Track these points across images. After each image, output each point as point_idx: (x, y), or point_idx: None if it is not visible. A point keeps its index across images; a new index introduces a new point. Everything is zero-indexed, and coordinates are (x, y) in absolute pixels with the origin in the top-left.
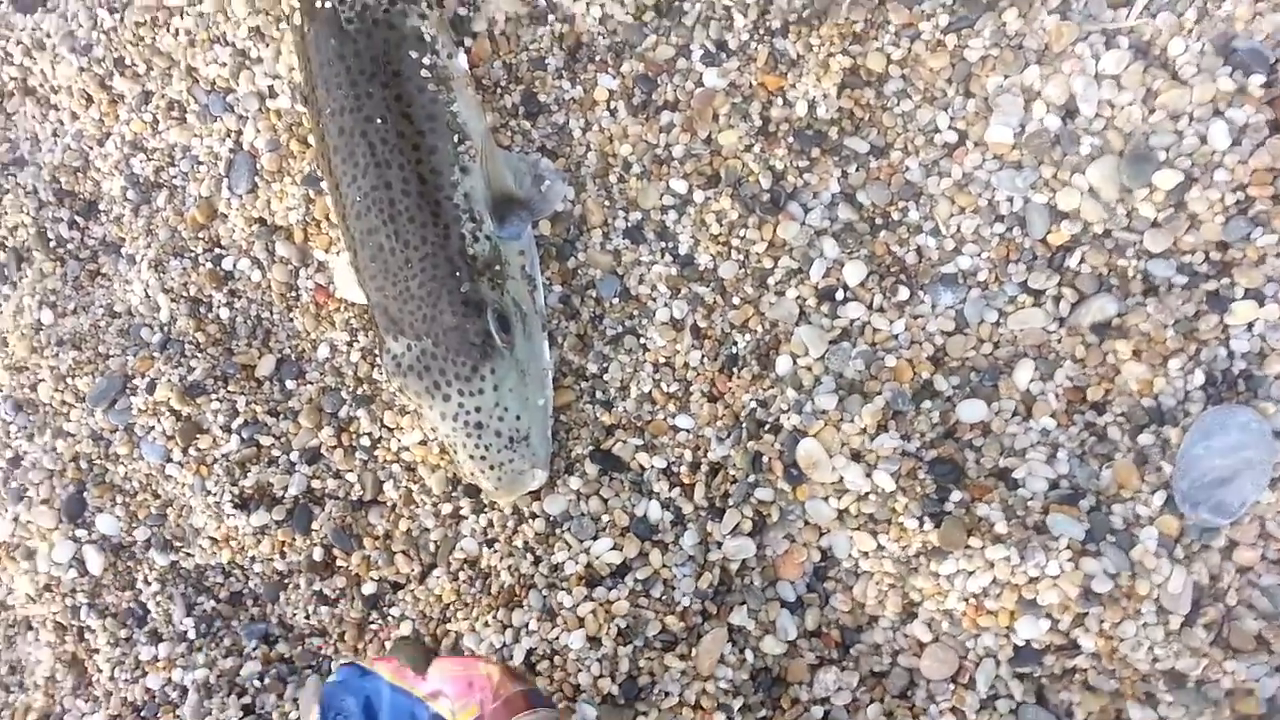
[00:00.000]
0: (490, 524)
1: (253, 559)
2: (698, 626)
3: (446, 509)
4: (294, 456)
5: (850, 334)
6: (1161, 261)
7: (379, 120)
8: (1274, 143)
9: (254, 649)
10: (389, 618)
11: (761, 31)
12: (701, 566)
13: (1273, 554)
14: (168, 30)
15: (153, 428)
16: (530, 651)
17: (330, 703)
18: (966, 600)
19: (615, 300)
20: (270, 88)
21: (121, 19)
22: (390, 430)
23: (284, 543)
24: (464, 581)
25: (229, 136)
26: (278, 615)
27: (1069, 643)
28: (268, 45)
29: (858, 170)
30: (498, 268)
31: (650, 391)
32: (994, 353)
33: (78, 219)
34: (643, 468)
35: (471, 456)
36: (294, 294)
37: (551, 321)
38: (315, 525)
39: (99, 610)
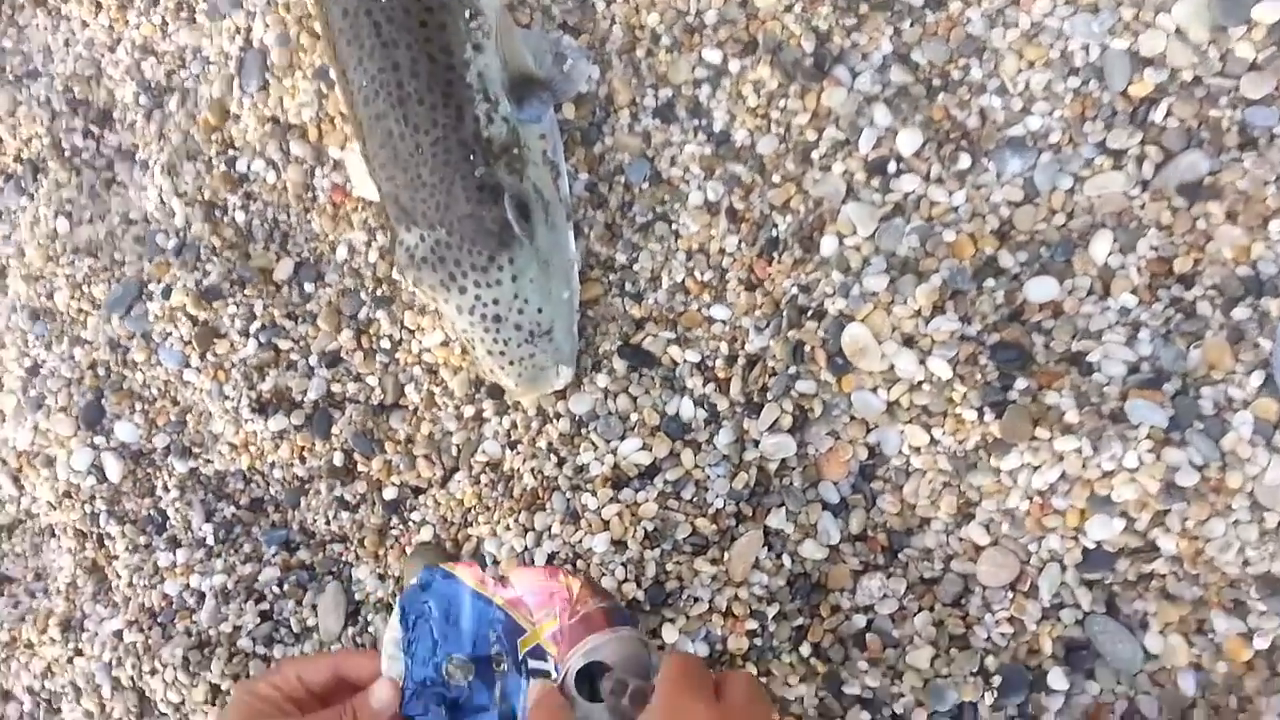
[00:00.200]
0: (514, 425)
1: (272, 465)
2: (731, 530)
3: (469, 411)
4: (313, 360)
5: (904, 209)
6: (1261, 110)
7: None
8: None
9: (274, 555)
10: (409, 523)
11: None
12: (736, 466)
13: None
14: None
15: (170, 334)
16: (552, 556)
17: (410, 606)
18: (1030, 498)
19: (645, 185)
20: None
21: None
22: (411, 332)
23: (303, 448)
24: (486, 485)
25: (238, 34)
26: (298, 521)
27: (1146, 545)
28: None
29: (912, 26)
30: (516, 152)
31: (683, 281)
32: (1067, 224)
33: (92, 128)
34: (675, 362)
35: (490, 352)
36: (310, 195)
37: (577, 211)
38: (335, 430)
39: (118, 517)
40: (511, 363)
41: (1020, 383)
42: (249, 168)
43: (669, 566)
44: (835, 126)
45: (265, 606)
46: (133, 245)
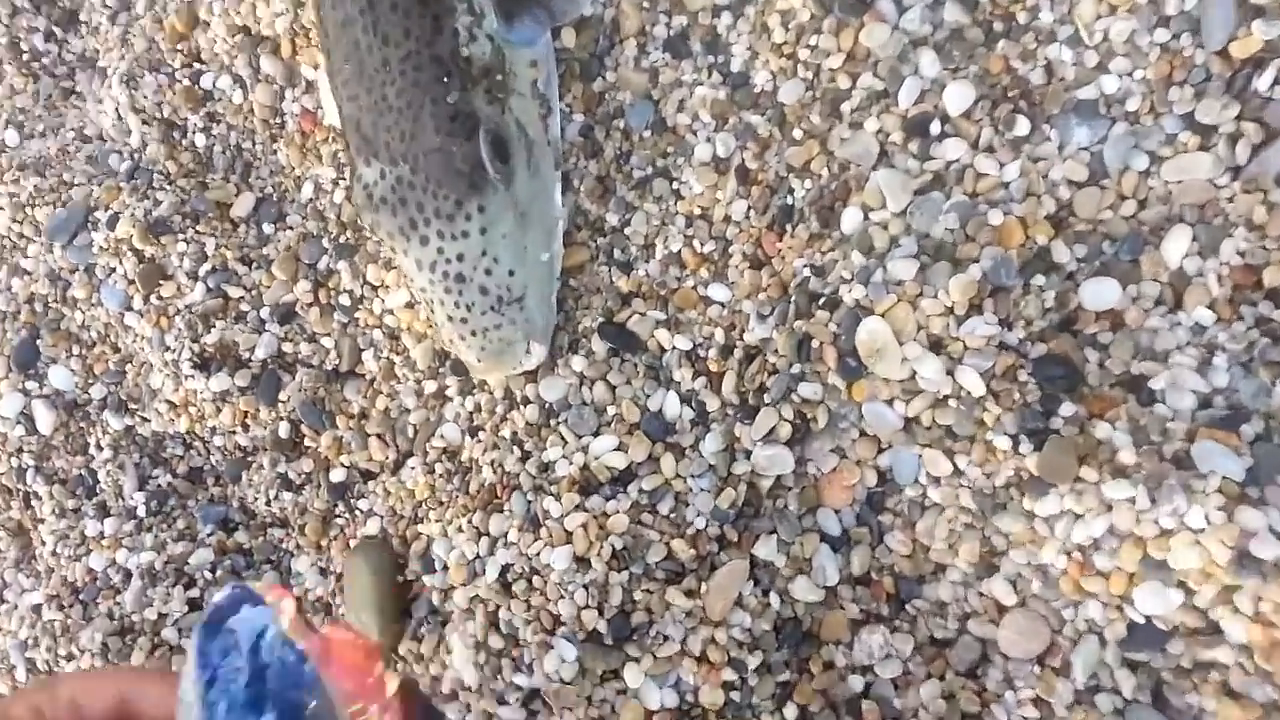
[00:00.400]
0: (477, 408)
1: (213, 430)
2: (712, 556)
3: (430, 387)
4: (264, 313)
5: (944, 181)
6: None
7: None
8: None
9: (209, 534)
10: (356, 511)
11: None
12: (724, 480)
13: None
14: None
15: (114, 269)
16: (506, 568)
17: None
18: (1069, 554)
19: (647, 133)
20: None
21: None
22: (374, 289)
23: (246, 413)
24: (440, 475)
25: None
26: (239, 498)
27: (1208, 626)
28: None
29: None
30: (499, 78)
31: (679, 251)
32: (1138, 213)
33: (55, 29)
34: (662, 348)
35: (450, 318)
36: (278, 120)
37: (568, 159)
38: (283, 396)
39: (46, 475)
40: (474, 333)
41: (1066, 408)
42: (214, 84)
43: (637, 594)
44: (873, 73)
45: (195, 593)
46: (84, 165)
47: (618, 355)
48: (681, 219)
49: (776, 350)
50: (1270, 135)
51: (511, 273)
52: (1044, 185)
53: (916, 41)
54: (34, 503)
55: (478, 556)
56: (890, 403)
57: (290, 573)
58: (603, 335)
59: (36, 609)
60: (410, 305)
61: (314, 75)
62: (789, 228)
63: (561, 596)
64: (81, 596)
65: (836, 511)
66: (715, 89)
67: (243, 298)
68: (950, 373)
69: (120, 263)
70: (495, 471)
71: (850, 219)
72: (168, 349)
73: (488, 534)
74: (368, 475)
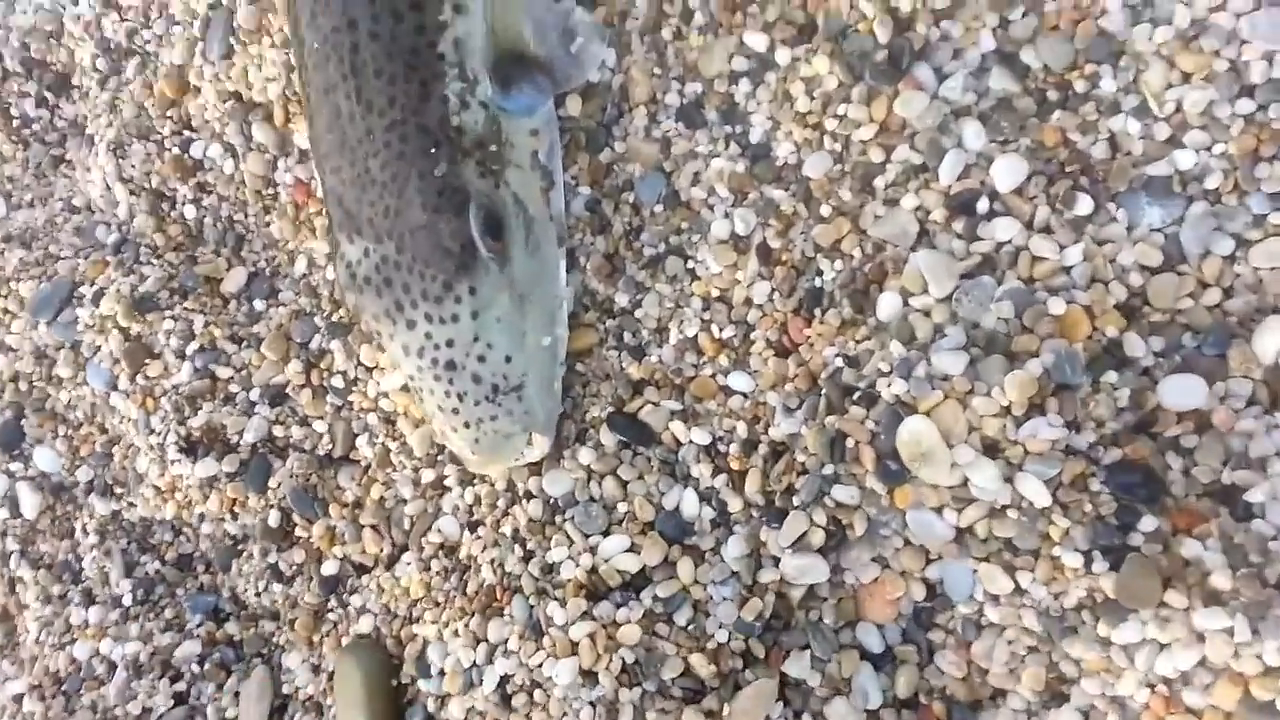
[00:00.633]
0: (477, 501)
1: (201, 517)
2: (736, 674)
3: (428, 476)
4: (254, 395)
5: (995, 264)
6: None
7: None
8: None
9: (198, 625)
10: (349, 608)
11: None
12: (749, 589)
13: None
14: None
15: (99, 347)
16: (505, 679)
17: None
18: (1152, 687)
19: (658, 207)
20: None
21: None
22: (369, 370)
23: (235, 500)
24: (437, 573)
25: None
26: (230, 587)
27: None
28: None
29: (1024, 16)
30: (494, 149)
31: (696, 336)
32: (1223, 302)
33: (47, 95)
34: (678, 442)
35: (441, 409)
36: (271, 191)
37: (573, 235)
38: (273, 482)
39: (31, 560)
40: (467, 425)
41: (1147, 522)
42: (205, 153)
43: (650, 715)
44: (910, 146)
45: (181, 687)
46: (71, 238)
47: (629, 448)
48: (698, 301)
49: (806, 448)
50: None
51: (508, 359)
52: (1112, 270)
53: (959, 111)
54: (18, 588)
55: (474, 664)
56: (939, 511)
57: (280, 668)
58: (612, 427)
59: (18, 699)
60: (406, 388)
61: (307, 144)
62: (818, 312)
63: (565, 714)
64: (64, 687)
65: (879, 627)
66: (733, 161)
67: (232, 378)
68: (1009, 480)
69: (106, 340)
70: (495, 571)
71: (887, 305)
72: (153, 432)
73: (486, 640)
74: (361, 569)
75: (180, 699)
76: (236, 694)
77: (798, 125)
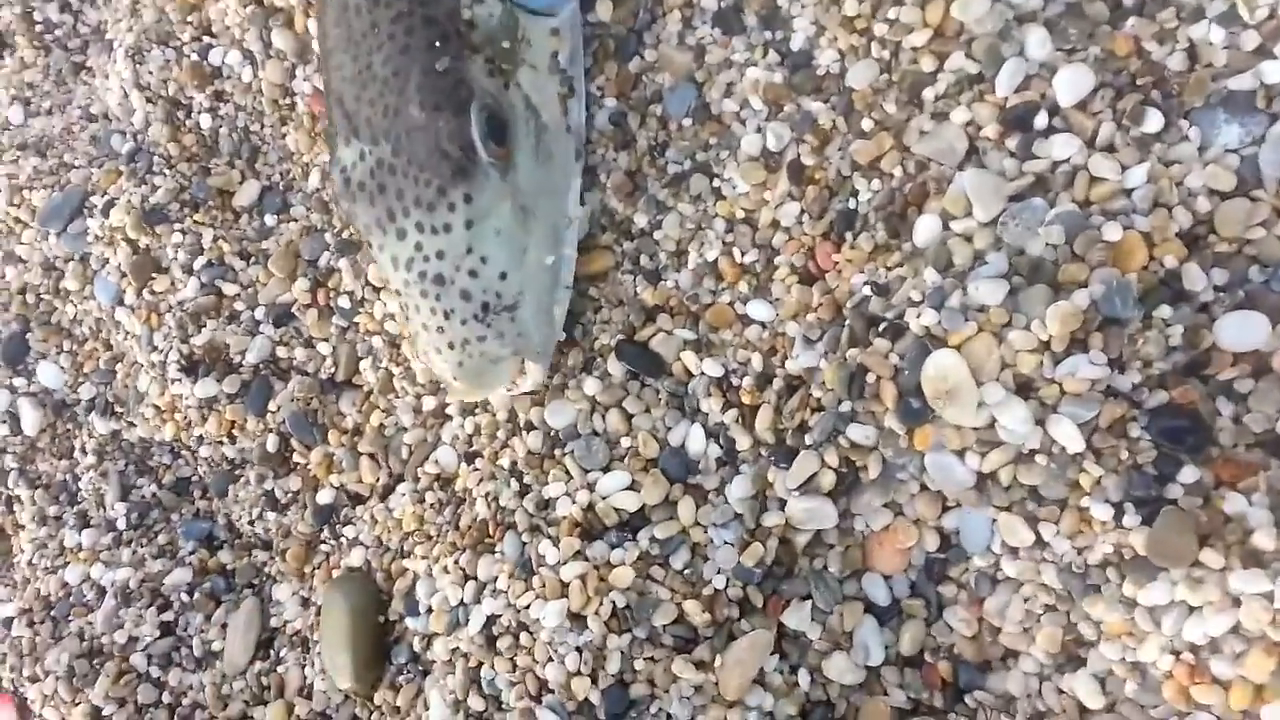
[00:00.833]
0: (477, 431)
1: (200, 440)
2: (731, 623)
3: (429, 404)
4: (259, 314)
5: (1049, 185)
6: None
7: None
8: None
9: (190, 552)
10: (342, 539)
11: None
12: (751, 533)
13: None
14: None
15: (107, 260)
16: (491, 620)
17: None
18: (1177, 654)
19: (687, 121)
20: None
21: None
22: (376, 291)
23: (233, 423)
24: (431, 505)
25: None
26: (225, 515)
27: None
28: None
29: None
30: (507, 46)
31: (716, 261)
32: None
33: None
34: (689, 374)
35: (425, 326)
36: (288, 100)
37: (595, 150)
38: (273, 405)
39: (30, 479)
40: (451, 345)
41: (1188, 473)
42: (224, 60)
43: (639, 663)
44: (966, 53)
45: (169, 617)
46: (87, 146)
47: (637, 379)
48: (721, 223)
49: (823, 383)
50: None
51: (503, 276)
52: (1178, 195)
53: (1023, 16)
54: (15, 507)
55: (461, 603)
56: (961, 454)
57: (270, 601)
58: (621, 355)
59: (7, 623)
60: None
61: None
62: (849, 237)
63: (550, 659)
64: (53, 613)
65: (886, 578)
66: (771, 70)
67: (238, 295)
68: (1041, 422)
69: (114, 253)
70: (489, 506)
71: (925, 229)
72: (155, 349)
73: (475, 578)
74: (356, 499)
75: (167, 629)
76: (224, 626)
77: (844, 30)
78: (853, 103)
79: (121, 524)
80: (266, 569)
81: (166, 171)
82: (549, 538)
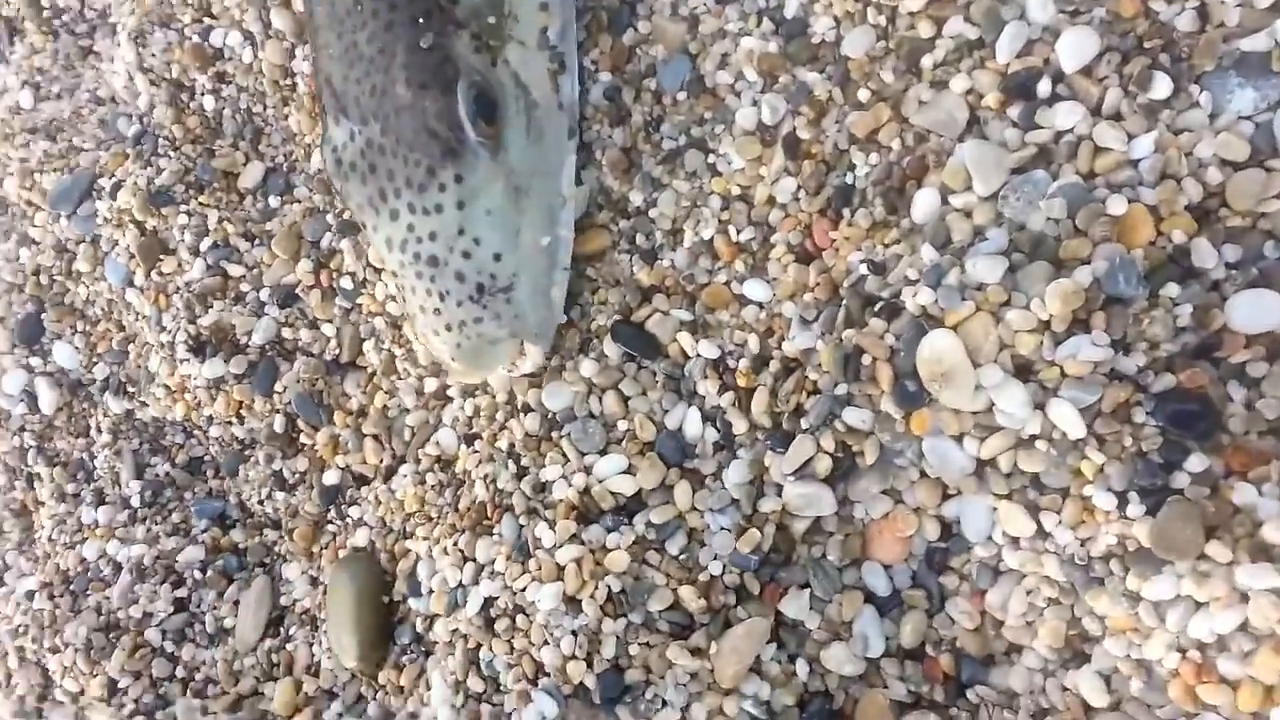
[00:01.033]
0: (476, 412)
1: (209, 419)
2: (728, 610)
3: (431, 385)
4: (264, 295)
5: (1052, 157)
6: None
7: None
8: None
9: (203, 530)
10: (347, 519)
11: None
12: (748, 519)
13: None
14: None
15: (116, 242)
16: (489, 602)
17: None
18: (1183, 651)
19: (681, 94)
20: None
21: None
22: (378, 271)
23: (241, 403)
24: (432, 487)
25: None
26: (237, 494)
27: None
28: None
29: None
30: (492, 21)
31: (712, 239)
32: None
33: None
34: (685, 355)
35: (422, 309)
36: (289, 81)
37: (590, 126)
38: (279, 386)
39: (48, 456)
40: (449, 327)
41: (1195, 461)
42: (225, 41)
43: (634, 648)
44: (964, 18)
45: (182, 593)
46: (95, 130)
47: (633, 361)
48: (716, 200)
49: (819, 365)
50: None
51: (498, 257)
52: (1187, 165)
53: None
54: (35, 484)
55: (460, 584)
56: (959, 440)
57: (280, 579)
58: (616, 337)
59: (30, 594)
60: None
61: None
62: (846, 213)
63: (546, 642)
64: (72, 587)
65: (886, 567)
66: (765, 40)
67: (243, 276)
68: (1040, 406)
69: (123, 235)
70: (488, 488)
71: (924, 203)
72: (164, 329)
73: (473, 559)
74: (361, 480)
75: (181, 605)
76: (236, 603)
77: None
78: (849, 72)
79: (136, 501)
80: (276, 548)
81: (172, 154)
82: (545, 520)
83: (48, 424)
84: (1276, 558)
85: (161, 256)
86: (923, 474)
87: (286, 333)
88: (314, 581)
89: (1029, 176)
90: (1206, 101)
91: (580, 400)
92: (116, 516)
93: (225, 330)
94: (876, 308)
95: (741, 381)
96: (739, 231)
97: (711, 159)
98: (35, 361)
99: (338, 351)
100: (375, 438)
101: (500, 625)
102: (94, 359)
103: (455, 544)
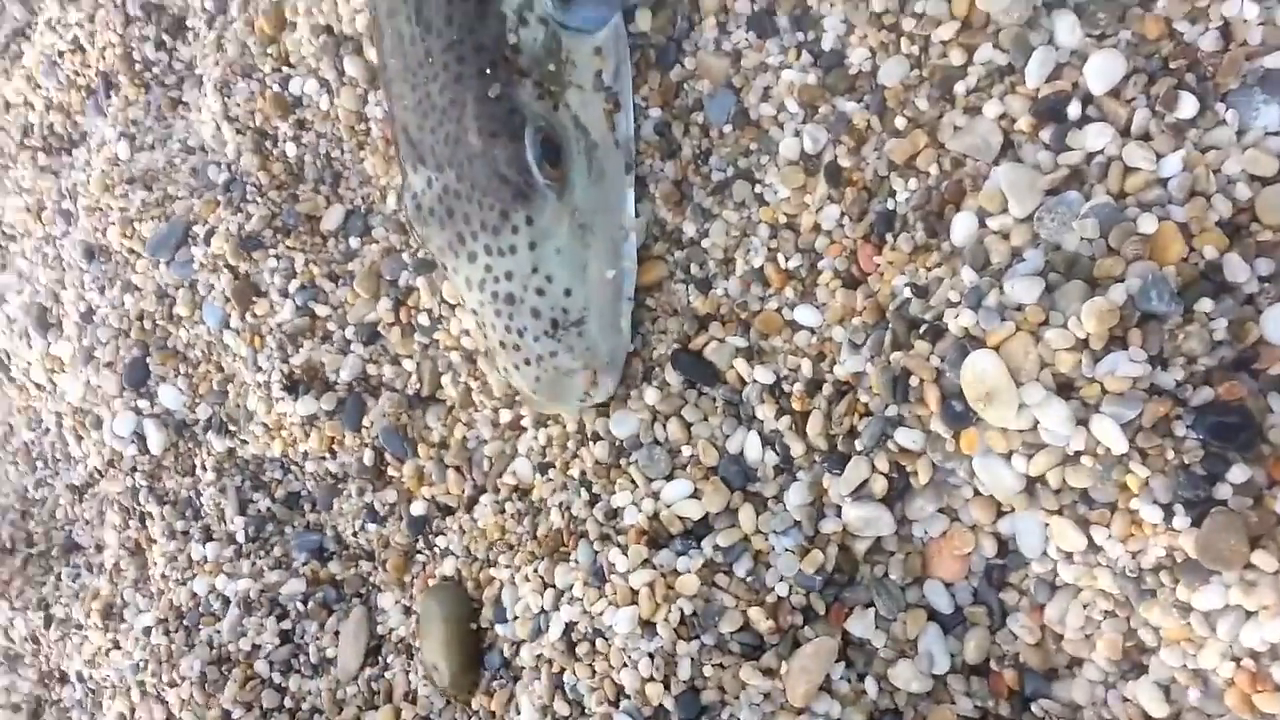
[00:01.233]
0: (549, 442)
1: (305, 455)
2: (795, 630)
3: (506, 416)
4: (349, 333)
5: (1084, 178)
6: None
7: None
8: None
9: (303, 563)
10: (435, 549)
11: None
12: (810, 540)
13: None
14: None
15: (213, 285)
16: (569, 627)
17: None
18: (1237, 660)
19: (727, 127)
20: None
21: None
22: (452, 308)
23: (333, 439)
24: (511, 516)
25: None
26: (333, 527)
27: None
28: None
29: None
30: (553, 68)
31: (762, 267)
32: None
33: (165, 37)
34: (742, 381)
35: (503, 344)
36: (364, 126)
37: (643, 161)
38: (366, 421)
39: (158, 495)
40: (528, 361)
41: (1237, 472)
42: (302, 90)
43: (708, 669)
44: (994, 45)
45: (287, 625)
46: (187, 178)
47: (694, 388)
48: (765, 228)
49: (870, 388)
50: None
51: (568, 292)
52: (1215, 182)
53: (1051, 4)
54: (148, 523)
55: (542, 610)
56: (1007, 457)
57: (376, 609)
58: (676, 365)
59: (147, 631)
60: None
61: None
62: (889, 238)
63: (625, 664)
64: (185, 622)
65: (948, 585)
66: (804, 72)
67: (329, 316)
68: (1083, 423)
69: (218, 279)
70: (563, 515)
71: (963, 226)
72: (260, 369)
73: (553, 586)
74: (446, 510)
75: (286, 637)
76: (336, 633)
77: (873, 27)
78: (885, 100)
79: (241, 537)
80: (371, 578)
81: (259, 199)
82: (618, 545)
83: (156, 464)
84: None
85: (254, 299)
86: (976, 492)
87: (371, 369)
88: (407, 610)
89: (1062, 198)
90: (1233, 119)
91: (645, 427)
92: (223, 552)
93: (315, 368)
94: (921, 330)
95: (797, 405)
96: (787, 259)
97: (758, 189)
98: (143, 404)
99: (418, 386)
100: (457, 469)
101: (581, 649)
102: (197, 399)
103: (535, 570)
